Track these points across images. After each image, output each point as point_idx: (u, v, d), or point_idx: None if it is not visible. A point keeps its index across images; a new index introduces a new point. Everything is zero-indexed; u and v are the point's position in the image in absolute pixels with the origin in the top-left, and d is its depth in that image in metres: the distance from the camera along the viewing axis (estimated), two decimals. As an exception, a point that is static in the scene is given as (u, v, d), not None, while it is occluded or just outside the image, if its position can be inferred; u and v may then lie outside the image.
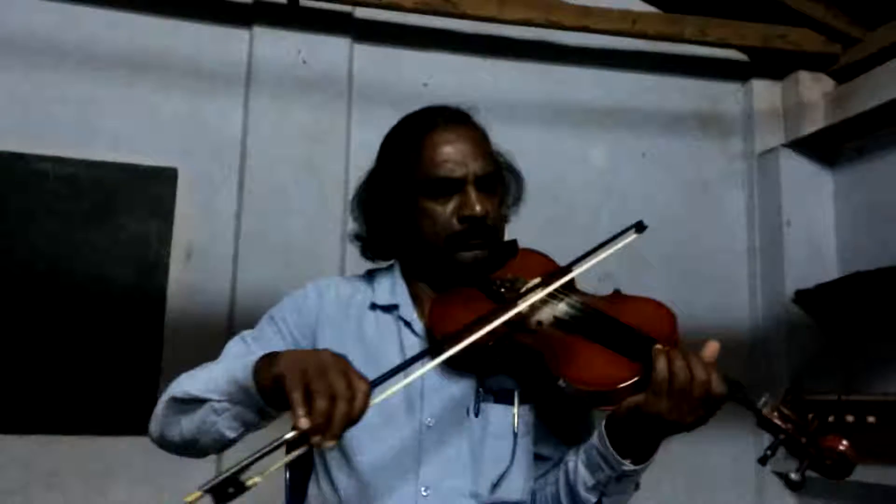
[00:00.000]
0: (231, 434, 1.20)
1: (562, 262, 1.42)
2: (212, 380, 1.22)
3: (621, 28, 3.20)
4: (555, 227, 3.10)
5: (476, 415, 1.33)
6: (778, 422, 1.16)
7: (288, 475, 1.58)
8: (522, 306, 1.26)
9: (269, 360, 1.14)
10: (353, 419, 1.03)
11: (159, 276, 2.87)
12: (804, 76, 3.45)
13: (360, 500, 1.31)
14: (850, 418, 2.83)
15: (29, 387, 2.71)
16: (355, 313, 1.43)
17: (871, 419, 2.78)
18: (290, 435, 1.01)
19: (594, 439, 1.28)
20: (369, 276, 1.51)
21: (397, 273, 1.48)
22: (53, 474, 2.69)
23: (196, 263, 2.93)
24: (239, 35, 3.08)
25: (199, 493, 0.97)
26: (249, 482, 0.98)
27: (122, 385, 2.77)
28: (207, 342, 2.75)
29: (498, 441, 1.33)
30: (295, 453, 1.02)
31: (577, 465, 1.30)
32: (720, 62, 3.58)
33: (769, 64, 3.55)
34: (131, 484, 2.74)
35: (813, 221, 3.37)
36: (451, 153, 1.38)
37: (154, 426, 1.31)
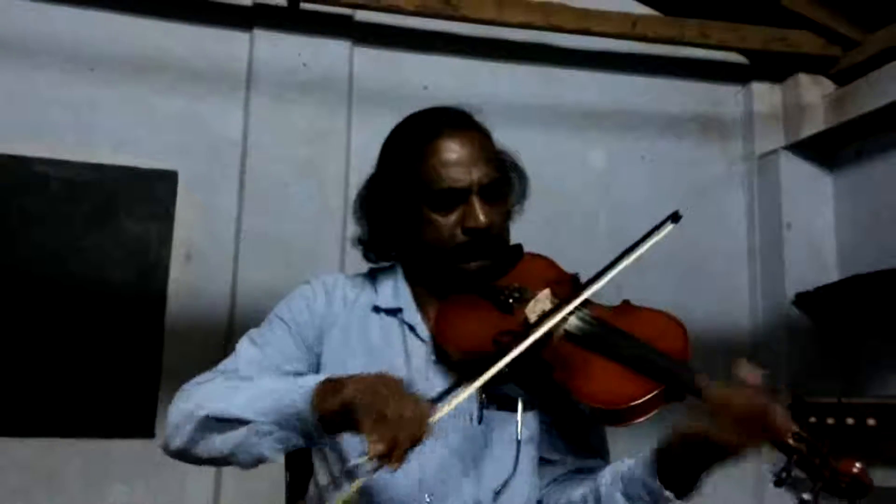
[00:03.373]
0: (272, 455, 1.20)
1: (568, 267, 1.42)
2: (257, 400, 1.20)
3: (621, 31, 3.20)
4: (554, 230, 3.10)
5: (479, 422, 1.32)
6: (791, 442, 1.14)
7: (288, 476, 1.58)
8: (545, 329, 1.24)
9: (331, 386, 1.14)
10: (417, 442, 1.07)
11: (159, 278, 2.87)
12: (804, 79, 3.45)
13: None
14: (850, 421, 2.83)
15: (29, 389, 2.70)
16: (360, 315, 1.42)
17: (871, 422, 2.77)
18: (360, 460, 1.06)
19: (637, 470, 1.24)
20: (371, 276, 1.49)
21: (400, 275, 1.46)
22: (54, 477, 2.69)
23: (196, 265, 2.93)
24: (239, 37, 3.08)
25: None
26: None
27: (122, 387, 2.77)
28: (208, 343, 2.78)
29: (500, 449, 1.32)
30: (364, 478, 1.07)
31: (611, 493, 1.26)
32: (720, 65, 3.58)
33: (769, 66, 3.55)
34: (132, 486, 2.73)
35: (813, 224, 3.36)
36: (455, 162, 1.35)
37: (175, 440, 1.26)
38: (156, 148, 2.95)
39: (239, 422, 1.20)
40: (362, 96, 3.12)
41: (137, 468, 2.73)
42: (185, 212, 2.94)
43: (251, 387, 1.26)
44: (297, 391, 1.16)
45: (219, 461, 1.25)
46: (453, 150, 1.36)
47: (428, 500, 1.29)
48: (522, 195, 1.49)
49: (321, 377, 1.18)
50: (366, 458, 1.05)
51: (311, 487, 1.42)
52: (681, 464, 1.20)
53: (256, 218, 2.95)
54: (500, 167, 1.42)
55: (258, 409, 1.19)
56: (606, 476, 1.30)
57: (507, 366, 1.24)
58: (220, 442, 1.22)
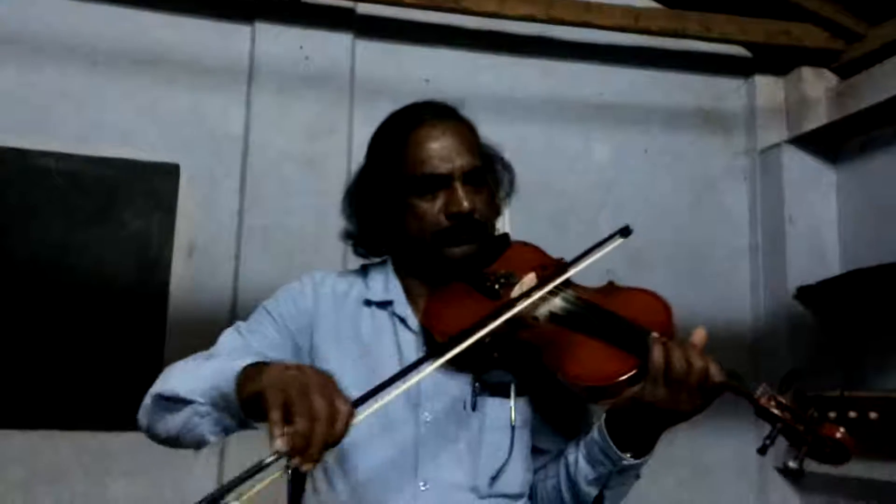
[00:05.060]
0: (212, 438, 1.20)
1: (560, 256, 1.42)
2: (199, 380, 1.21)
3: (624, 24, 3.19)
4: (556, 223, 3.10)
5: (473, 409, 1.33)
6: (775, 411, 1.16)
7: (289, 472, 1.58)
8: (521, 306, 1.26)
9: (253, 372, 1.11)
10: (332, 442, 1.00)
11: (161, 272, 2.87)
12: (807, 72, 3.44)
13: (359, 495, 1.31)
14: (852, 414, 2.83)
15: (31, 382, 2.71)
16: (351, 309, 1.43)
17: (873, 415, 2.78)
18: (269, 458, 0.98)
19: (594, 433, 1.29)
20: (363, 270, 1.51)
21: (390, 269, 1.47)
22: (55, 469, 2.69)
23: (198, 259, 2.93)
24: (241, 31, 3.08)
25: None
26: None
27: (124, 381, 2.77)
28: (209, 338, 2.74)
29: (496, 434, 1.33)
30: (272, 476, 0.99)
31: (577, 458, 1.31)
32: (723, 58, 3.57)
33: (772, 60, 3.54)
34: (133, 479, 2.74)
35: (815, 218, 3.36)
36: (437, 149, 1.37)
37: (142, 417, 1.31)
38: (158, 141, 2.95)
39: (182, 401, 1.21)
40: (364, 89, 3.11)
41: (139, 461, 2.73)
42: (187, 205, 2.94)
43: (202, 367, 1.26)
44: (229, 373, 1.15)
45: (173, 443, 1.26)
46: (435, 139, 1.38)
47: (423, 487, 1.30)
48: (510, 188, 1.50)
49: (250, 360, 1.16)
50: (272, 456, 0.98)
51: (309, 487, 1.43)
52: (630, 425, 1.25)
53: (258, 212, 2.95)
54: (484, 158, 1.44)
55: (198, 389, 1.19)
56: (572, 445, 1.35)
57: (495, 348, 1.26)
58: (170, 421, 1.23)
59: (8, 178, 2.79)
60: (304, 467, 0.98)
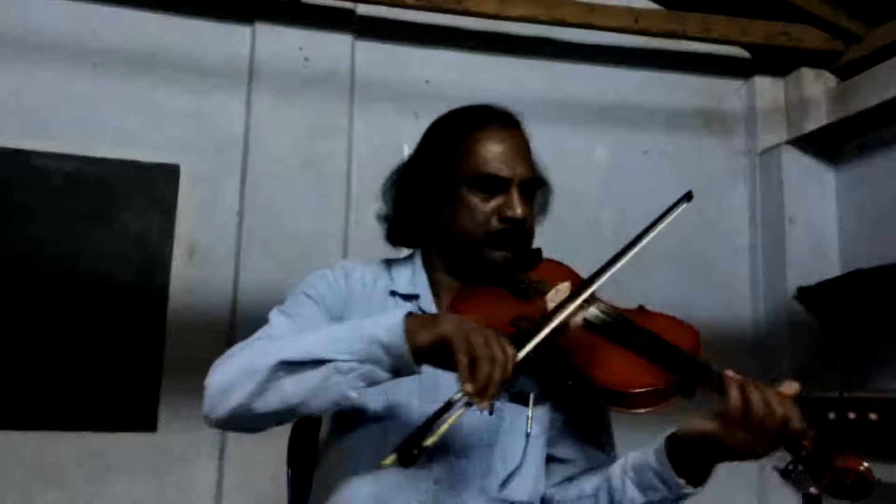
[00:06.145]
0: (353, 394, 1.19)
1: (570, 261, 1.43)
2: (335, 342, 1.20)
3: (624, 25, 3.20)
4: (555, 225, 3.07)
5: (490, 412, 1.33)
6: (800, 440, 1.17)
7: (290, 472, 1.59)
8: (568, 311, 1.28)
9: (425, 321, 1.17)
10: (506, 383, 1.11)
11: (161, 273, 2.87)
12: (807, 73, 3.44)
13: (371, 490, 1.31)
14: (851, 415, 2.82)
15: (31, 383, 2.71)
16: (378, 299, 1.44)
17: (872, 416, 2.77)
18: (457, 396, 1.10)
19: (650, 459, 1.27)
20: (387, 264, 1.51)
21: (418, 263, 1.48)
22: (56, 470, 2.69)
23: (198, 260, 2.93)
24: (241, 32, 3.08)
25: (394, 457, 1.08)
26: (427, 442, 1.08)
27: (124, 382, 2.78)
28: (209, 339, 2.78)
29: (510, 440, 1.34)
30: (457, 414, 1.10)
31: (624, 483, 1.29)
32: (723, 59, 3.58)
33: (772, 61, 3.54)
34: (133, 480, 2.74)
35: (815, 219, 3.36)
36: (501, 153, 1.40)
37: (227, 402, 1.21)
38: (157, 142, 2.95)
39: (318, 362, 1.19)
40: (364, 90, 3.11)
41: (139, 462, 2.74)
42: (186, 206, 2.94)
43: (318, 331, 1.26)
44: (379, 326, 1.18)
45: (281, 414, 1.22)
46: (501, 142, 1.42)
47: (434, 485, 1.30)
48: (544, 207, 1.54)
49: (400, 312, 1.19)
50: (460, 394, 1.09)
51: (316, 483, 1.43)
52: (693, 456, 1.23)
53: (258, 212, 2.95)
54: (537, 171, 1.48)
55: (338, 347, 1.19)
56: (616, 469, 1.33)
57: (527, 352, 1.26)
58: (292, 387, 1.19)
59: (7, 178, 2.79)
60: (481, 406, 1.10)
